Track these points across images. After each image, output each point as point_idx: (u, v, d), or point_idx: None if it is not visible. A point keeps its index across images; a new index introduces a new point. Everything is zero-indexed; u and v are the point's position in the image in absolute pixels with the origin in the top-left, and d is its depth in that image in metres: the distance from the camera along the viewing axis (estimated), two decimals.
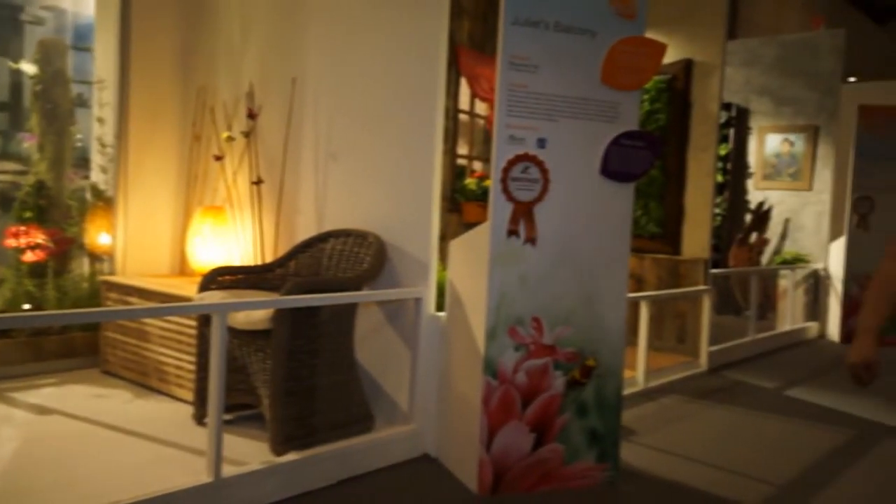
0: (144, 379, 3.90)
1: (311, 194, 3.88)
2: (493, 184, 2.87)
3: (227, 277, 3.47)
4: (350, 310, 3.26)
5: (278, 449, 2.92)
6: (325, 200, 3.79)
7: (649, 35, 3.05)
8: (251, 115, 4.09)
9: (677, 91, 5.58)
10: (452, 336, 3.18)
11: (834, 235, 7.09)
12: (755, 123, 7.83)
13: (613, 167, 3.00)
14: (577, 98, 2.93)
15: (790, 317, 6.85)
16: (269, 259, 4.00)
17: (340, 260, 3.47)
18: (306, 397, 3.05)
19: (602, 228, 3.03)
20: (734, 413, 4.29)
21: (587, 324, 3.01)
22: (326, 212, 3.78)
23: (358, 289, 3.21)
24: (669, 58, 5.55)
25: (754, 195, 7.86)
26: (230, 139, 4.19)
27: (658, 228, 5.71)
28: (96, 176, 4.61)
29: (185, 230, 4.44)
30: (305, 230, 3.84)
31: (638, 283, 5.72)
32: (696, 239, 5.57)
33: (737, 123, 7.90)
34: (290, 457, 2.85)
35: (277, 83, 4.03)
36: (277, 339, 2.95)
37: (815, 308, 7.12)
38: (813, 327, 7.05)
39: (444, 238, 3.60)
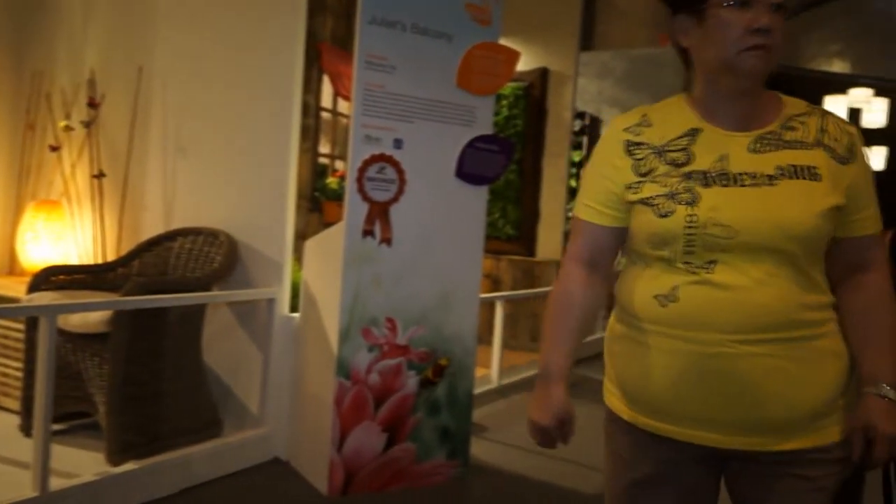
0: None
1: (158, 190, 3.69)
2: (348, 183, 2.85)
3: (62, 277, 3.24)
4: (198, 311, 3.13)
5: (115, 458, 2.75)
6: (174, 197, 3.62)
7: (506, 42, 3.13)
8: (92, 104, 3.83)
9: (534, 98, 5.78)
10: (306, 337, 3.13)
11: None
12: None
13: (468, 170, 3.06)
14: (433, 100, 2.96)
15: None
16: (110, 258, 3.76)
17: (189, 259, 3.33)
18: (147, 403, 2.89)
19: (457, 230, 3.08)
20: (580, 407, 4.45)
21: (441, 324, 3.05)
22: (175, 209, 3.61)
23: (207, 289, 3.08)
24: (526, 66, 5.74)
25: None
26: (68, 129, 3.90)
27: (514, 231, 5.89)
28: None
29: (16, 226, 4.10)
30: (152, 228, 3.64)
31: (494, 283, 5.88)
32: (549, 241, 5.80)
33: (590, 132, 8.28)
34: (128, 466, 2.70)
35: (122, 71, 3.80)
36: (115, 343, 2.78)
37: None
38: None
39: (305, 238, 3.54)
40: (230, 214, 3.35)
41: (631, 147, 1.30)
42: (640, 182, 1.27)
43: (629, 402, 1.34)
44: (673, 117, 1.31)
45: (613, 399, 1.39)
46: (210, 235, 3.30)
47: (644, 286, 1.28)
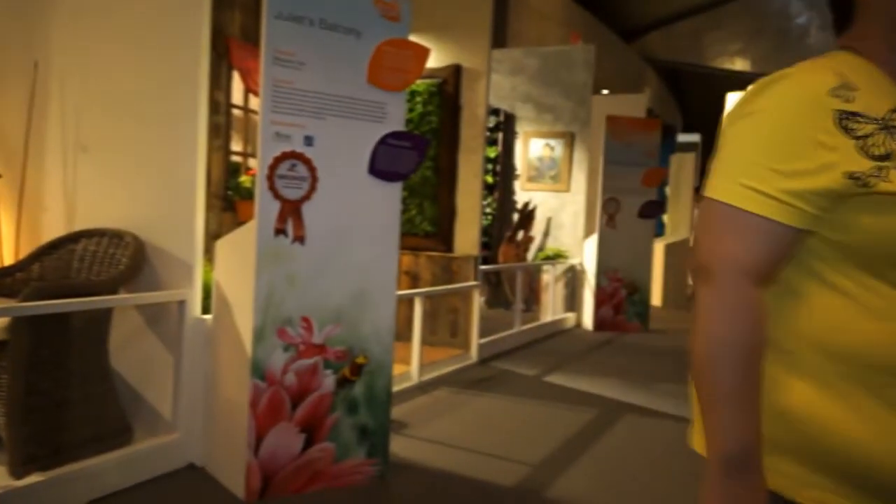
0: None
1: (59, 190, 3.53)
2: (258, 181, 2.80)
3: None
4: (104, 316, 3.02)
5: (18, 471, 2.63)
6: (76, 197, 3.48)
7: (418, 39, 3.15)
8: None
9: (448, 95, 5.82)
10: (219, 339, 3.07)
11: (588, 233, 7.80)
12: (521, 128, 8.39)
13: (381, 166, 3.06)
14: (344, 97, 2.94)
15: (551, 308, 7.43)
16: (8, 262, 3.58)
17: (93, 262, 3.20)
18: (51, 413, 2.77)
19: (371, 226, 3.08)
20: (499, 400, 4.57)
21: (357, 321, 3.04)
22: (77, 209, 3.47)
23: (113, 292, 2.98)
24: (440, 62, 5.78)
25: (521, 196, 8.42)
26: None
27: (432, 227, 5.92)
28: None
29: None
30: (53, 230, 3.49)
31: (413, 280, 5.90)
32: (467, 237, 5.85)
33: (505, 128, 8.40)
34: (33, 479, 2.58)
35: (16, 66, 3.62)
36: (15, 352, 2.65)
37: (573, 300, 7.79)
38: (571, 317, 7.70)
39: (219, 238, 3.46)
40: (136, 214, 3.24)
41: (846, 118, 0.90)
42: (881, 168, 0.89)
43: (863, 494, 0.93)
44: (872, 82, 0.95)
45: (817, 492, 0.95)
46: (115, 236, 3.18)
47: (888, 323, 0.91)
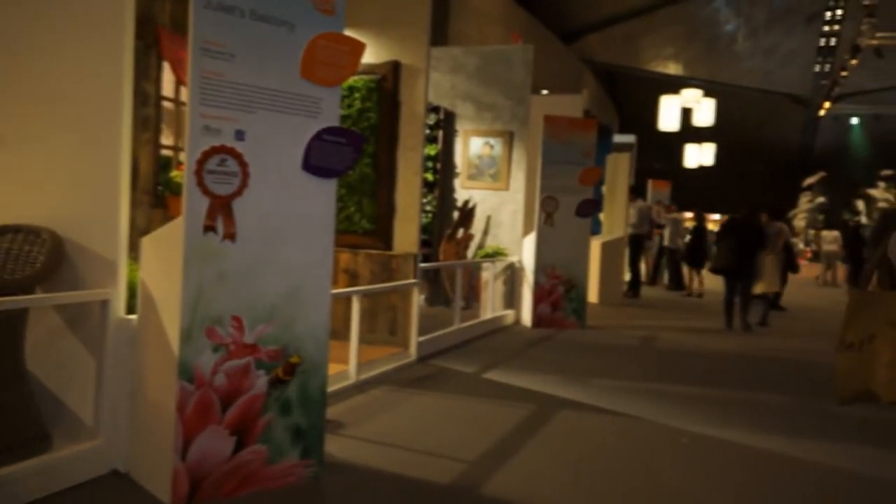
0: None
1: None
2: (187, 177, 2.70)
3: None
4: (18, 316, 2.86)
5: None
6: None
7: (355, 33, 3.08)
8: None
9: (386, 91, 5.76)
10: (145, 340, 2.95)
11: (526, 231, 7.84)
12: (461, 126, 8.38)
13: (316, 162, 2.99)
14: (276, 91, 2.87)
15: (491, 306, 7.44)
16: None
17: (7, 260, 3.03)
18: None
19: (305, 224, 3.01)
20: (438, 398, 4.54)
21: (291, 320, 2.97)
22: None
23: (28, 292, 2.83)
24: (378, 58, 5.71)
25: (461, 193, 8.42)
26: None
27: (371, 224, 5.85)
28: None
29: None
30: None
31: (352, 277, 5.82)
32: (406, 234, 5.80)
33: (445, 126, 8.38)
34: None
35: None
36: None
37: (512, 297, 7.82)
38: (510, 315, 7.73)
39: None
40: (55, 210, 3.09)
41: None
42: None
43: None
44: None
45: None
46: (31, 233, 3.03)
47: None
